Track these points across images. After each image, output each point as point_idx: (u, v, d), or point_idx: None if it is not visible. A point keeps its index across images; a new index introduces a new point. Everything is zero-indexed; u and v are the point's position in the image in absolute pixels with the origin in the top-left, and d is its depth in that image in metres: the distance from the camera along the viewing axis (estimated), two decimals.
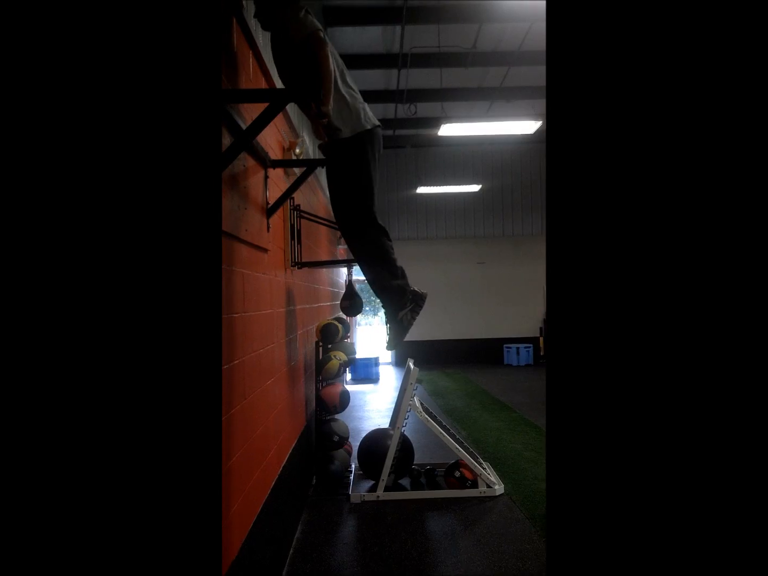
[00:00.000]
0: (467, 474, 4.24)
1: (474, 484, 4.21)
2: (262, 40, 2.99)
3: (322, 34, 2.39)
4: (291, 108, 3.85)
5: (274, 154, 3.19)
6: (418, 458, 4.67)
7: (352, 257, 2.97)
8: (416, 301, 2.78)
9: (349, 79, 2.69)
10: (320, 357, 4.76)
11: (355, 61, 7.66)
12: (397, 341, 2.80)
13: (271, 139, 3.14)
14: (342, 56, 2.74)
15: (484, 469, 4.31)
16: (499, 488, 4.21)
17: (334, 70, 2.51)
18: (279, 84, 3.44)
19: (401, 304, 2.75)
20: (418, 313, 2.80)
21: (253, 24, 2.73)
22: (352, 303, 4.48)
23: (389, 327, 2.81)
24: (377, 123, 2.74)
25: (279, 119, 3.36)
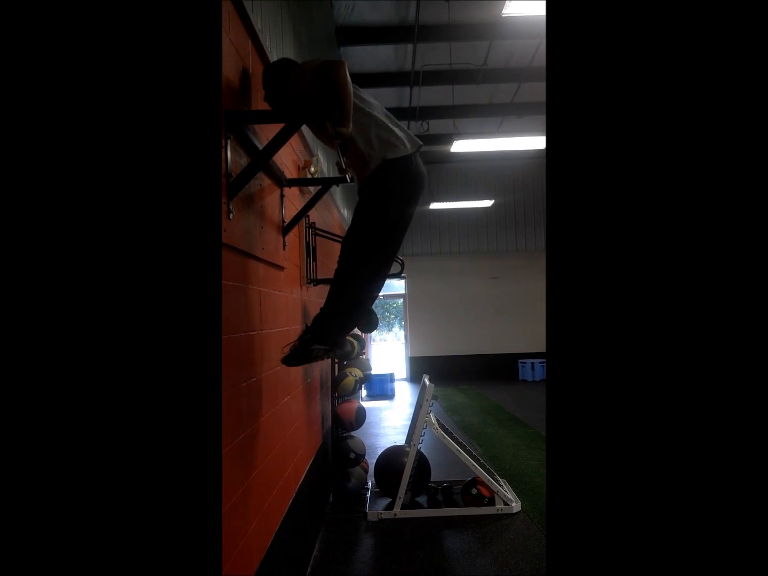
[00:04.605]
0: (484, 491, 4.21)
1: (491, 502, 4.17)
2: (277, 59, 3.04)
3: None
4: (305, 127, 3.89)
5: (290, 173, 3.23)
6: (435, 475, 4.64)
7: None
8: (337, 347, 2.52)
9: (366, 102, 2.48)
10: (336, 374, 4.77)
11: (367, 79, 7.75)
12: (290, 362, 2.48)
13: (286, 159, 3.17)
14: (354, 75, 2.68)
15: (501, 486, 4.28)
16: (516, 505, 4.17)
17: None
18: None
19: (327, 337, 2.45)
20: (323, 359, 2.53)
21: (267, 44, 2.77)
22: (367, 319, 4.48)
23: (298, 344, 2.44)
24: (407, 151, 2.40)
25: (294, 138, 3.40)
